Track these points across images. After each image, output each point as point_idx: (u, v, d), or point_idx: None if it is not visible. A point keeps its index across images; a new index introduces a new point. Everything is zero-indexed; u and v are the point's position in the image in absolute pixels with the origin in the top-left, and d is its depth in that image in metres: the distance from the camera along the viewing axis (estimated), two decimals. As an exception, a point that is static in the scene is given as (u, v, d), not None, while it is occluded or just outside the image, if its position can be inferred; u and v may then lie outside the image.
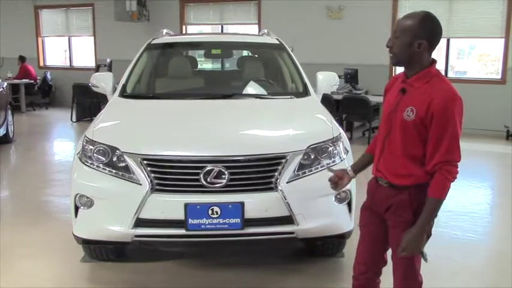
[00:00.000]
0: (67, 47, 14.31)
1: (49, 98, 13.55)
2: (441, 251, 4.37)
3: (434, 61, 2.36)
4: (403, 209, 2.38)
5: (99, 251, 3.89)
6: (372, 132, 9.04)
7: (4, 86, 8.93)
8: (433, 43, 2.32)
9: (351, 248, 4.14)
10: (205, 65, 6.66)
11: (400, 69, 8.84)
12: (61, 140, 10.15)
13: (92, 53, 13.68)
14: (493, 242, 4.82)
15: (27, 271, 3.96)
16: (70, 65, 14.29)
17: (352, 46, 10.60)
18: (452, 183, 2.30)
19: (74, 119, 11.31)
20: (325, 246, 4.03)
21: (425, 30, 2.28)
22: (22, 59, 13.03)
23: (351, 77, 9.77)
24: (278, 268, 3.99)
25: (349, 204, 3.55)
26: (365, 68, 10.04)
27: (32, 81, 12.93)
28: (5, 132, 8.46)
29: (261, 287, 3.73)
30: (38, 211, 5.31)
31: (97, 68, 11.90)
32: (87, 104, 10.90)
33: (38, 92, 13.16)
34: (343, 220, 3.56)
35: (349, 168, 2.73)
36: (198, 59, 5.89)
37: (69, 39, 14.14)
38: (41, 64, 14.38)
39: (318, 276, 3.88)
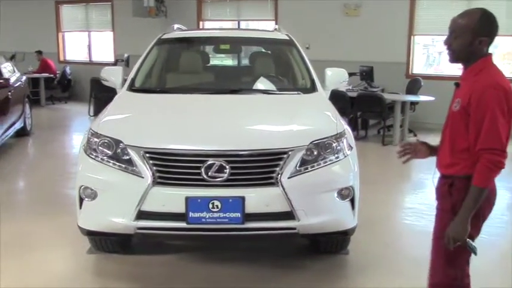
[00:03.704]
0: (87, 42, 14.46)
1: (68, 92, 13.73)
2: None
3: (489, 54, 2.40)
4: (443, 198, 2.46)
5: (105, 242, 3.94)
6: (387, 130, 8.96)
7: (22, 80, 9.08)
8: (493, 38, 2.38)
9: (355, 245, 4.13)
10: (216, 60, 6.66)
11: (423, 66, 8.63)
12: (78, 134, 10.22)
13: (111, 48, 13.82)
14: (505, 243, 4.73)
15: (35, 261, 4.02)
16: (89, 60, 14.45)
17: (368, 43, 10.51)
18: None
19: (92, 113, 11.43)
20: (329, 243, 4.01)
21: (486, 27, 2.35)
22: (40, 53, 13.22)
23: (366, 75, 9.69)
24: (281, 264, 3.99)
25: (352, 201, 3.52)
26: (381, 66, 9.95)
27: (52, 75, 13.11)
28: (22, 125, 8.60)
29: (264, 282, 3.73)
30: (51, 203, 5.38)
31: (115, 63, 12.03)
32: (104, 98, 11.00)
33: (57, 86, 13.34)
34: (346, 217, 3.54)
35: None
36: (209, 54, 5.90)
37: (88, 34, 14.30)
38: (61, 59, 14.57)
39: (322, 273, 3.87)
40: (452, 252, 2.43)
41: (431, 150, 2.70)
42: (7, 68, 8.51)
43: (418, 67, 10.73)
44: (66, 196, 5.76)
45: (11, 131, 7.90)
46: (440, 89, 9.57)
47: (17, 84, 8.49)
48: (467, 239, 2.35)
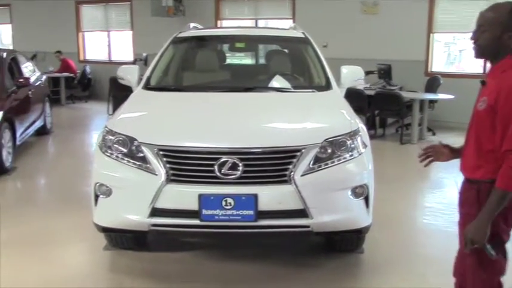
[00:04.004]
0: (106, 42, 14.59)
1: (88, 92, 13.88)
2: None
3: None
4: (469, 203, 2.37)
5: (120, 239, 3.98)
6: (406, 129, 8.87)
7: (43, 79, 9.21)
8: None
9: (371, 243, 4.10)
10: (233, 59, 6.66)
11: (436, 65, 8.52)
12: (97, 132, 10.26)
13: (130, 48, 13.93)
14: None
15: (52, 257, 4.09)
16: (109, 59, 14.59)
17: (386, 41, 10.41)
18: None
19: (110, 111, 11.54)
20: (343, 242, 4.00)
21: None
22: (60, 53, 13.40)
23: (384, 73, 9.60)
24: (296, 262, 3.98)
25: (367, 199, 3.50)
26: (400, 64, 9.86)
27: (72, 75, 13.27)
28: (42, 123, 8.72)
29: (278, 280, 3.73)
30: (70, 200, 5.44)
31: (134, 62, 12.13)
32: (123, 97, 11.08)
33: (77, 85, 13.50)
34: (360, 215, 3.51)
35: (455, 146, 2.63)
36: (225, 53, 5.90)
37: (108, 34, 14.44)
38: (81, 58, 14.74)
39: (336, 271, 3.86)
40: (485, 257, 2.33)
41: (454, 153, 2.60)
42: (28, 68, 8.64)
43: (439, 65, 10.58)
44: (85, 193, 5.80)
45: (32, 130, 8.02)
46: (461, 87, 9.47)
47: (37, 84, 8.61)
48: (486, 243, 2.27)
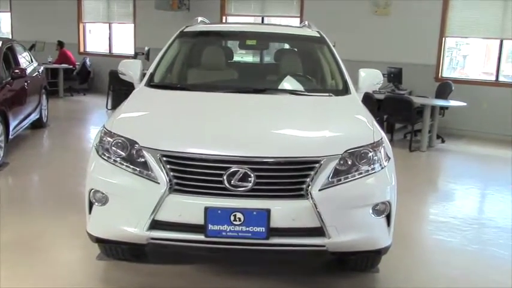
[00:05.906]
0: (107, 34, 14.26)
1: (87, 84, 13.55)
2: (485, 272, 3.98)
3: None
4: None
5: (115, 250, 3.66)
6: (414, 135, 8.57)
7: (40, 71, 8.87)
8: None
9: (386, 260, 3.79)
10: (240, 56, 6.33)
11: (446, 69, 8.22)
12: (94, 127, 10.00)
13: (132, 41, 13.60)
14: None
15: (41, 265, 3.77)
16: (109, 52, 14.25)
17: (397, 44, 10.13)
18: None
19: (110, 106, 11.22)
20: (358, 261, 3.68)
21: None
22: (60, 44, 13.03)
23: (394, 76, 9.30)
24: (306, 281, 3.67)
25: (388, 217, 3.19)
26: (410, 67, 9.56)
27: (71, 66, 12.92)
28: (38, 116, 8.39)
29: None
30: (63, 201, 5.12)
31: (135, 56, 11.80)
32: (123, 91, 10.78)
33: (76, 77, 13.16)
34: (381, 235, 3.20)
35: None
36: (233, 50, 5.56)
37: (109, 26, 14.10)
38: (81, 50, 14.40)
39: (349, 292, 3.56)
40: None
41: None
42: (25, 58, 8.31)
43: (447, 68, 10.33)
44: (80, 194, 5.46)
45: (26, 123, 7.70)
46: (470, 94, 9.20)
47: (34, 75, 8.29)
48: None
